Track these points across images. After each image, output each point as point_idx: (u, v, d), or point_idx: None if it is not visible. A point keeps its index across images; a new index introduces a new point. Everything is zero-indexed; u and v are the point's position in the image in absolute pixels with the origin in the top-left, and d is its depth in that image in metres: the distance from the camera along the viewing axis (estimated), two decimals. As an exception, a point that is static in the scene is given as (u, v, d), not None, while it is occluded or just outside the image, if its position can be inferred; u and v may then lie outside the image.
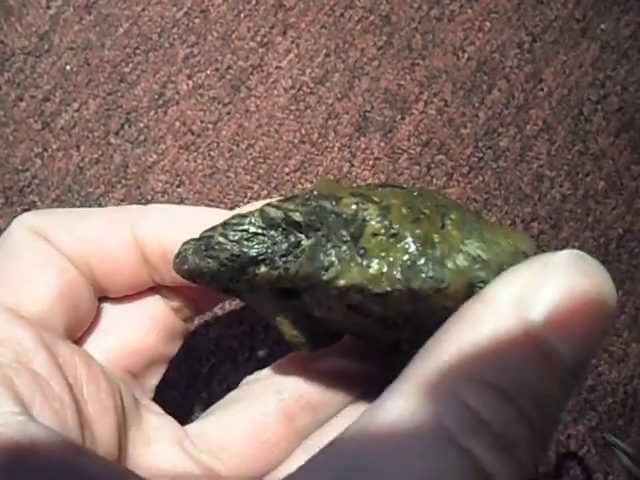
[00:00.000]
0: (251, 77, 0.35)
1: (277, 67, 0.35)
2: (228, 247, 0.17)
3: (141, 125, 0.34)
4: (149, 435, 0.20)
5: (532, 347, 0.12)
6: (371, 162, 0.34)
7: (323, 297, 0.17)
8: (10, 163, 0.33)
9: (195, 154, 0.34)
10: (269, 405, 0.21)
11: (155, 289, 0.22)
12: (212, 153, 0.34)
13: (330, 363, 0.22)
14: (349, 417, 0.21)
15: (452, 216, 0.16)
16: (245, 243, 0.17)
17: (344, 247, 0.16)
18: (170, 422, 0.21)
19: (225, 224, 0.18)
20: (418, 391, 0.12)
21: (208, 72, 0.35)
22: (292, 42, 0.35)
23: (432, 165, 0.34)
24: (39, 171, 0.33)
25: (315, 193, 0.17)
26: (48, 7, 0.35)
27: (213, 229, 0.18)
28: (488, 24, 0.36)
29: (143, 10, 0.35)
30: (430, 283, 0.15)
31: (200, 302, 0.23)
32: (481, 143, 0.35)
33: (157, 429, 0.20)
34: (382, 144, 0.34)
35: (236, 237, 0.17)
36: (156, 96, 0.34)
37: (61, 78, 0.34)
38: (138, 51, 0.34)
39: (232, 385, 0.31)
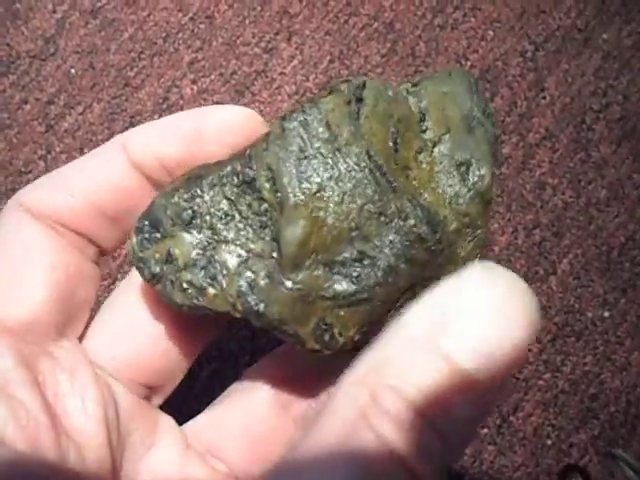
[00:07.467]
0: (255, 82, 0.35)
1: (281, 73, 0.35)
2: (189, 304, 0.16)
3: (145, 129, 0.34)
4: (149, 439, 0.19)
5: (440, 362, 0.12)
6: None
7: None
8: (13, 165, 0.33)
9: (198, 158, 0.34)
10: (261, 396, 0.20)
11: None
12: (215, 157, 0.34)
13: None
14: None
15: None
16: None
17: None
18: (171, 424, 0.21)
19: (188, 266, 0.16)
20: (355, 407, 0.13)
21: (212, 77, 0.35)
22: (296, 48, 0.35)
23: (435, 172, 0.34)
24: (42, 174, 0.33)
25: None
26: (54, 11, 0.35)
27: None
28: (491, 33, 0.36)
29: (149, 15, 0.35)
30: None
31: None
32: (484, 150, 0.35)
33: (157, 432, 0.20)
34: (385, 150, 0.34)
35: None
36: (160, 100, 0.34)
37: (66, 81, 0.34)
38: (143, 55, 0.35)
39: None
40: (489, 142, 0.17)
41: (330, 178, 0.16)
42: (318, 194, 0.15)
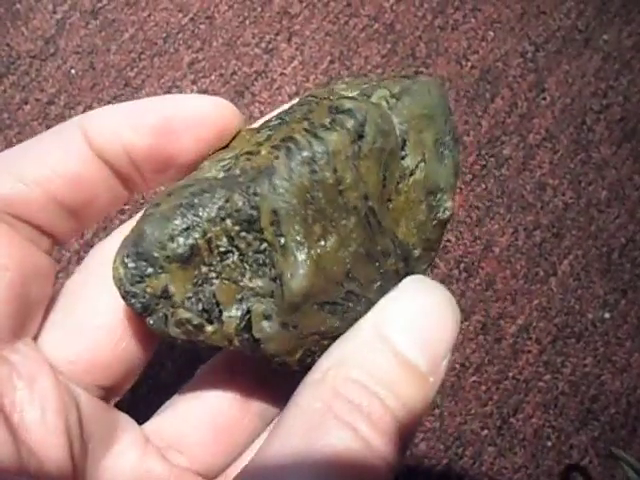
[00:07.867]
0: (255, 83, 0.35)
1: (281, 73, 0.35)
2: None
3: (145, 129, 0.34)
4: (109, 439, 0.19)
5: (390, 354, 0.15)
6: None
7: None
8: (13, 165, 0.33)
9: (198, 159, 0.34)
10: (222, 389, 0.20)
11: None
12: (215, 158, 0.34)
13: None
14: None
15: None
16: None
17: None
18: (129, 422, 0.20)
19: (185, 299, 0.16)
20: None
21: (213, 77, 0.35)
22: (296, 49, 0.35)
23: (435, 172, 0.34)
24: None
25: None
26: (55, 12, 0.35)
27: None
28: (491, 33, 0.36)
29: (149, 15, 0.35)
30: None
31: None
32: (484, 151, 0.35)
33: (117, 431, 0.19)
34: (385, 151, 0.34)
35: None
36: (160, 101, 0.34)
37: (66, 82, 0.34)
38: (143, 56, 0.35)
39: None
40: (455, 169, 0.18)
41: (331, 223, 0.16)
42: (321, 242, 0.16)
